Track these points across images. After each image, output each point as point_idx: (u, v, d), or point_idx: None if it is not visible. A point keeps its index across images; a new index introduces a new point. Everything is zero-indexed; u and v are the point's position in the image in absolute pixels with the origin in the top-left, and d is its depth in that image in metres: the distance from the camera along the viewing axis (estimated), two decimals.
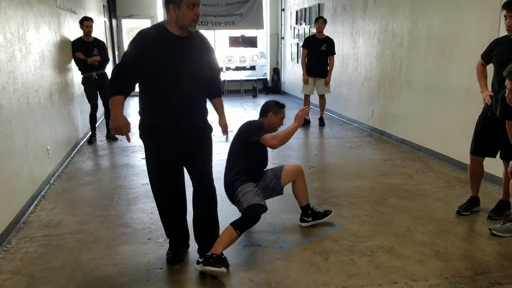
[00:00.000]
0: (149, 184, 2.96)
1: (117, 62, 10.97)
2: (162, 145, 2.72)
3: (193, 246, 3.09)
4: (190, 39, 2.64)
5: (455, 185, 4.42)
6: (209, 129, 2.89)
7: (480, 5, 4.27)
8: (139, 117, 2.78)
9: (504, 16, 3.28)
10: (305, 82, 7.50)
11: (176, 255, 2.97)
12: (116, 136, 6.68)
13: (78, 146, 6.19)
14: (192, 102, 2.70)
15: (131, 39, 2.64)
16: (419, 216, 3.68)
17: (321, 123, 7.64)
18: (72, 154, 5.77)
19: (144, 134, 2.77)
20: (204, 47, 2.77)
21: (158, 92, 2.62)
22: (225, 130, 3.11)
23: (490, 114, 3.48)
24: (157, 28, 2.64)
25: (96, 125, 6.76)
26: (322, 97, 7.61)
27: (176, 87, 2.60)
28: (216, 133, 3.04)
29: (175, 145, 2.72)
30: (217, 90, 3.02)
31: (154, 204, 3.92)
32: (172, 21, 2.56)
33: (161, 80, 2.57)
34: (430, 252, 3.06)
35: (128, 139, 2.64)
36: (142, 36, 2.58)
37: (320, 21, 7.32)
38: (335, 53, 7.42)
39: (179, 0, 2.49)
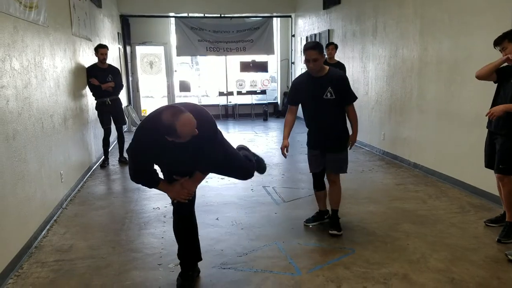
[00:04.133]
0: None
1: (130, 88, 11.18)
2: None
3: (203, 271, 3.07)
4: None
5: (469, 210, 4.35)
6: None
7: (489, 30, 4.28)
8: None
9: (500, 50, 3.53)
10: None
11: (186, 280, 2.95)
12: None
13: (91, 170, 6.25)
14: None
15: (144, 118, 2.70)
16: (434, 242, 3.61)
17: None
18: (85, 179, 5.82)
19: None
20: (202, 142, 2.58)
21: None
22: None
23: (488, 128, 3.77)
24: (157, 132, 2.43)
25: (109, 150, 6.84)
26: None
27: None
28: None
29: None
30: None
31: (165, 229, 3.96)
32: None
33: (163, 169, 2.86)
34: (445, 280, 2.99)
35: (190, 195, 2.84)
36: (142, 138, 2.55)
37: (331, 47, 7.38)
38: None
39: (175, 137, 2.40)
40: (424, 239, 3.69)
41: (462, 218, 4.14)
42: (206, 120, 2.58)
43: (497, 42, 3.53)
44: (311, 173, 3.97)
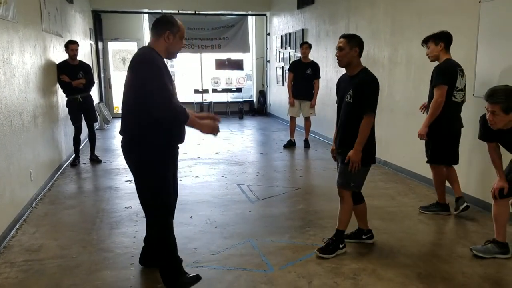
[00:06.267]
0: (160, 205, 2.95)
1: (102, 84, 11.02)
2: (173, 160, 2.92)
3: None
4: None
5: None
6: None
7: (457, 32, 4.41)
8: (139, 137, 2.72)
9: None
10: (291, 104, 7.60)
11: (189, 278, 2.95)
12: (99, 159, 6.66)
13: (62, 169, 6.13)
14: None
15: (147, 65, 2.61)
16: (402, 238, 3.72)
17: (306, 145, 7.71)
18: (55, 177, 5.71)
19: (164, 152, 2.80)
20: None
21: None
22: None
23: None
24: (155, 53, 2.68)
25: (80, 148, 6.73)
26: (307, 119, 7.71)
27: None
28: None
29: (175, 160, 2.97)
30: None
31: (137, 228, 3.94)
32: (162, 46, 2.70)
33: None
34: (412, 274, 3.08)
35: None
36: (156, 61, 2.62)
37: (305, 46, 7.46)
38: (320, 77, 7.55)
39: (176, 30, 2.70)
40: (393, 235, 3.79)
41: (429, 215, 4.26)
42: None
43: (424, 41, 4.09)
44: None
